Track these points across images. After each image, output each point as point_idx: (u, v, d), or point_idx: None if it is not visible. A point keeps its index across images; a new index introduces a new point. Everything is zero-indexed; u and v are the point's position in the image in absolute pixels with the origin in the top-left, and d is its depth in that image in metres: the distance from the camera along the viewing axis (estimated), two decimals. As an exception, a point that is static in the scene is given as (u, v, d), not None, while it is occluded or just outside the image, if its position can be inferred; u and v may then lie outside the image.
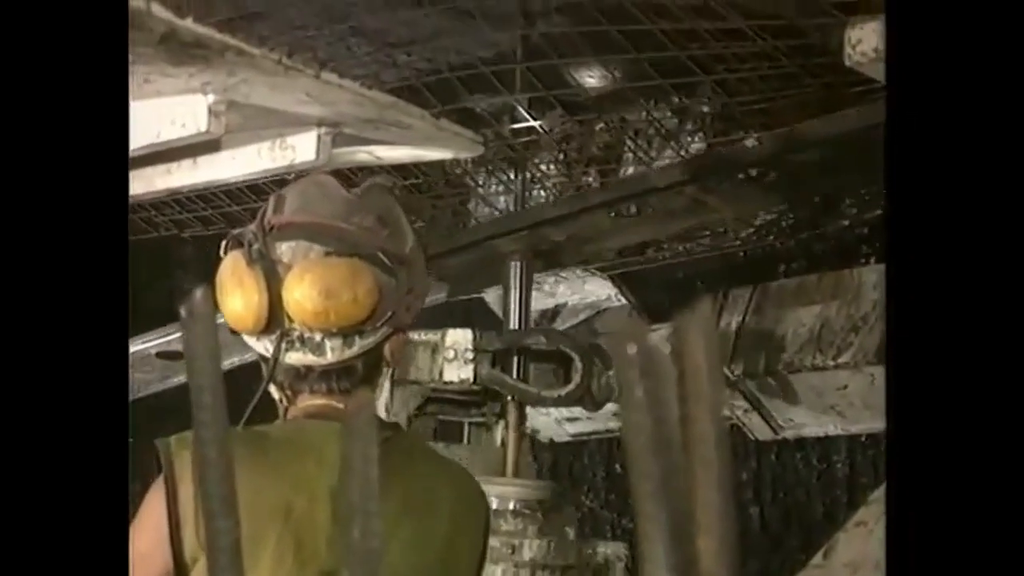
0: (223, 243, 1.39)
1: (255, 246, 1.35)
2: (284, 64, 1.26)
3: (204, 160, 1.52)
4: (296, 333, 1.36)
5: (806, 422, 2.70)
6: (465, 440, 2.36)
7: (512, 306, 2.33)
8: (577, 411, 2.88)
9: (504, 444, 2.26)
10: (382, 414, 2.06)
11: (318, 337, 1.36)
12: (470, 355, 2.14)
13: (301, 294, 1.34)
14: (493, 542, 2.01)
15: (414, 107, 1.50)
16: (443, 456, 1.60)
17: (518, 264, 2.34)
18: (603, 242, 2.59)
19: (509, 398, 2.26)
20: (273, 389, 1.41)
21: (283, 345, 1.36)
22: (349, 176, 1.82)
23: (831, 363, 2.51)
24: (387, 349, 1.41)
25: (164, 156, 1.49)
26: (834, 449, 2.92)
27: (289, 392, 1.41)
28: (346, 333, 1.37)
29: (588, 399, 2.27)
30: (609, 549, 2.26)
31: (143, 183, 1.57)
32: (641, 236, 2.70)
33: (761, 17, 1.84)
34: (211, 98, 1.30)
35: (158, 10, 1.07)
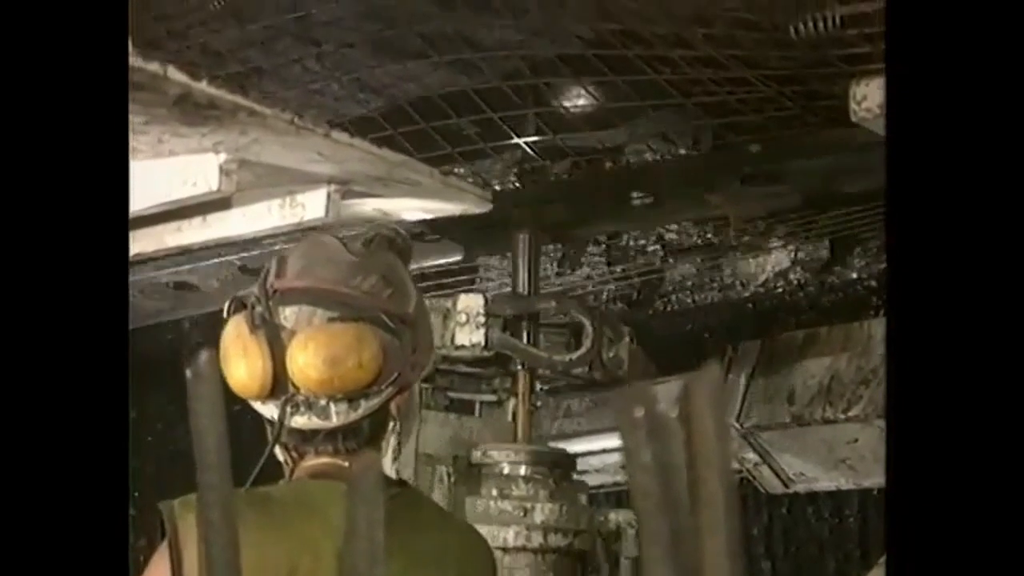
0: (226, 305, 1.40)
1: (258, 310, 1.35)
2: (296, 124, 1.27)
3: (214, 217, 1.54)
4: (301, 398, 1.36)
5: (817, 476, 2.69)
6: (477, 414, 2.37)
7: (520, 274, 2.35)
8: (584, 464, 2.86)
9: (515, 415, 2.27)
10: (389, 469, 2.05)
11: (323, 401, 1.36)
12: (481, 319, 2.15)
13: (305, 362, 1.34)
14: (505, 505, 2.09)
15: (423, 164, 1.52)
16: (450, 513, 1.59)
17: (526, 236, 2.36)
18: (607, 224, 2.59)
19: (520, 365, 2.27)
20: (278, 451, 1.41)
21: (288, 410, 1.36)
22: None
23: (841, 416, 2.49)
24: (393, 406, 1.41)
25: (175, 214, 1.50)
26: (846, 503, 2.89)
27: (295, 453, 1.40)
28: (352, 397, 1.36)
29: (598, 364, 2.28)
30: (621, 516, 2.27)
31: (154, 240, 1.58)
32: (646, 224, 2.70)
33: (766, 68, 1.86)
34: (222, 157, 1.31)
35: (174, 73, 1.09)
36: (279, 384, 1.35)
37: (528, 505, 2.09)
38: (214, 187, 1.32)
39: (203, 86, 1.14)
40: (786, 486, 2.75)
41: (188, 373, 0.72)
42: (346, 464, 1.37)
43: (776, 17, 1.58)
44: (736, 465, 2.72)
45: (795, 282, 2.90)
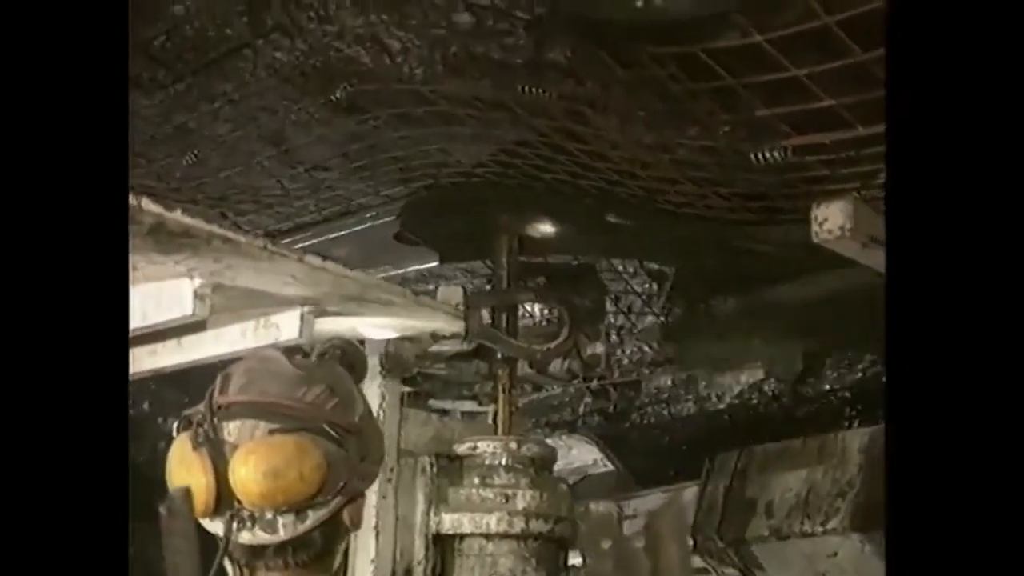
0: (176, 424, 1.40)
1: (203, 427, 1.36)
2: (269, 249, 1.30)
3: (189, 340, 1.55)
4: (247, 512, 1.35)
5: (798, 590, 2.65)
6: (458, 416, 2.40)
7: (502, 272, 2.39)
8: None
9: (497, 411, 2.28)
10: None
11: (269, 515, 1.35)
12: (462, 308, 2.16)
13: (247, 475, 1.33)
14: (487, 493, 2.11)
15: (396, 286, 1.55)
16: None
17: (506, 237, 2.39)
18: (587, 241, 2.62)
19: (500, 359, 2.28)
20: (229, 569, 1.39)
21: (234, 525, 1.35)
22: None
23: (819, 529, 2.48)
24: (345, 515, 1.40)
25: (149, 337, 1.51)
26: (830, 618, 2.85)
27: (246, 570, 1.39)
28: (298, 509, 1.36)
29: (575, 355, 2.30)
30: (602, 507, 2.26)
31: (130, 364, 1.59)
32: (625, 251, 2.71)
33: (730, 187, 1.91)
34: (197, 282, 1.33)
35: (148, 205, 1.12)
36: (224, 500, 1.35)
37: (510, 492, 2.13)
38: (188, 312, 1.34)
39: (177, 216, 1.16)
40: (768, 601, 2.71)
41: (162, 510, 0.73)
42: None
43: (737, 145, 1.64)
44: (717, 580, 2.69)
45: (770, 394, 2.92)
